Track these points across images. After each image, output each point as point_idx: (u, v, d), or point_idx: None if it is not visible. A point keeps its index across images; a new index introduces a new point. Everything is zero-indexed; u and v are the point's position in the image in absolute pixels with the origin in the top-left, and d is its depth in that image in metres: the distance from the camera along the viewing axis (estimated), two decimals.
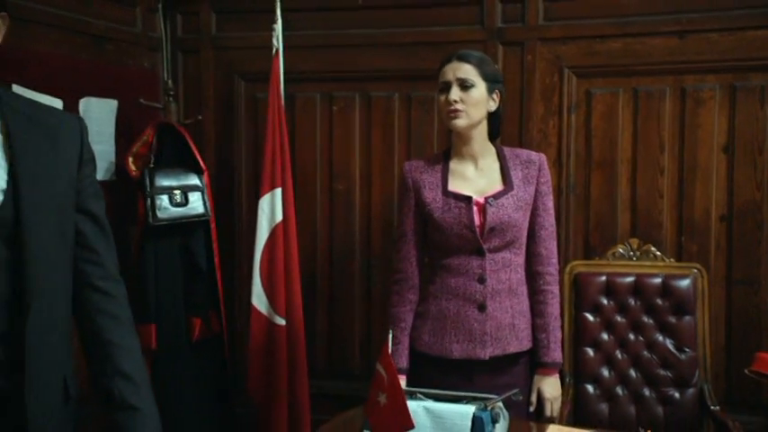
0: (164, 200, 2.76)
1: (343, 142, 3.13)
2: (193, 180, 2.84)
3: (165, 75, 3.18)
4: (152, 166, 2.81)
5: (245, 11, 3.18)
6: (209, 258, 2.88)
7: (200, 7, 3.20)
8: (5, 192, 1.39)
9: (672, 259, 2.71)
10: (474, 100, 2.09)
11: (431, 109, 3.04)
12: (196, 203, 2.83)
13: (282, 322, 2.89)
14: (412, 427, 1.68)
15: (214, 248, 2.89)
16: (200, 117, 3.12)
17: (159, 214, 2.74)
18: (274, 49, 2.91)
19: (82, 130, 1.57)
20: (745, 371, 2.13)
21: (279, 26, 2.90)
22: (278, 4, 2.88)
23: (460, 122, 2.10)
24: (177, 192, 2.79)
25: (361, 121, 3.12)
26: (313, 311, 3.14)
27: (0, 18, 1.40)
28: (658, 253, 2.69)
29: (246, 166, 3.23)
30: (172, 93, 2.96)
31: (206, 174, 2.88)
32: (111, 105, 2.84)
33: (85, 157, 1.56)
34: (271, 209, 2.89)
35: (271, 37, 2.92)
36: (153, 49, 3.15)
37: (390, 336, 1.87)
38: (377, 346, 3.13)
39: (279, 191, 2.90)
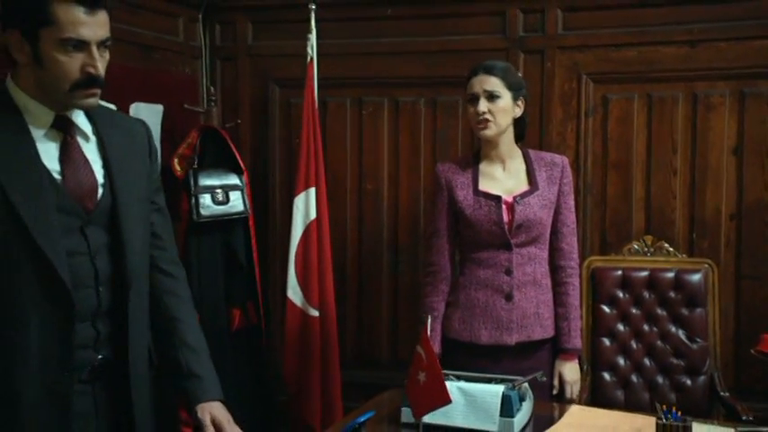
0: (207, 198, 2.96)
1: (373, 145, 3.32)
2: (234, 180, 3.03)
3: (205, 81, 3.37)
4: (196, 166, 3.00)
5: (279, 21, 3.37)
6: (248, 253, 3.07)
7: (236, 18, 3.40)
8: (104, 186, 1.59)
9: (684, 255, 2.88)
10: (501, 109, 2.27)
11: (455, 113, 3.22)
12: (236, 202, 3.02)
13: (316, 314, 3.07)
14: (449, 401, 1.86)
15: (252, 244, 3.08)
16: (239, 121, 3.31)
17: (203, 212, 2.93)
18: (309, 58, 3.10)
19: (147, 131, 1.78)
20: (751, 351, 2.29)
21: (313, 36, 3.09)
22: (312, 16, 3.07)
23: (489, 131, 2.28)
24: (219, 191, 2.98)
25: (389, 124, 3.30)
26: (343, 304, 3.32)
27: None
28: (671, 249, 2.86)
29: (280, 167, 3.42)
30: (213, 98, 3.15)
31: (245, 174, 3.07)
32: (157, 110, 3.04)
33: (153, 156, 1.77)
34: (305, 207, 3.08)
35: (303, 45, 3.11)
36: (194, 56, 3.34)
37: (429, 320, 2.05)
38: (404, 337, 3.31)
39: (313, 190, 3.08)
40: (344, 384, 3.17)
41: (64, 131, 1.57)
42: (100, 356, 1.59)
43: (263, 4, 3.36)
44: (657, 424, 1.74)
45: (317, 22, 3.09)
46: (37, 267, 1.48)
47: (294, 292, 3.09)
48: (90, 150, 1.61)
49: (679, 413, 1.75)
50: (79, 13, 1.49)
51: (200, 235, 2.99)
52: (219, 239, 3.04)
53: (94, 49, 1.52)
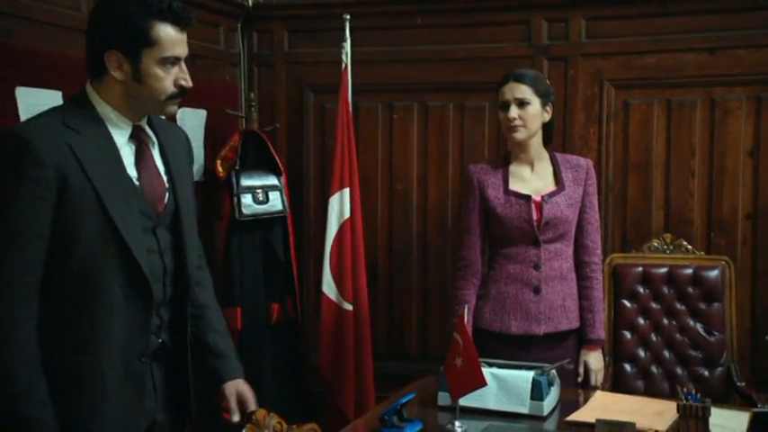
0: (248, 198, 3.13)
1: (403, 147, 3.48)
2: (273, 181, 3.21)
3: (244, 87, 3.55)
4: (237, 168, 3.18)
5: (314, 30, 3.54)
6: (286, 250, 3.25)
7: (274, 26, 3.58)
8: (169, 190, 1.77)
9: (702, 252, 3.01)
10: (530, 115, 2.43)
11: (482, 118, 3.38)
12: (276, 201, 3.20)
13: (350, 307, 3.24)
14: (485, 384, 2.02)
15: (291, 242, 3.25)
16: (277, 125, 3.49)
17: (244, 211, 3.11)
18: (343, 65, 3.27)
19: (187, 138, 1.96)
20: (766, 337, 2.43)
21: (348, 44, 3.26)
22: (347, 25, 3.24)
23: (519, 135, 2.44)
24: (260, 191, 3.16)
25: (418, 128, 3.47)
26: (375, 299, 3.48)
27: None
28: (690, 247, 3.00)
29: (314, 169, 3.59)
30: (254, 103, 3.33)
31: (284, 175, 3.24)
32: (201, 115, 3.22)
33: (191, 162, 1.96)
34: (340, 207, 3.25)
35: (336, 53, 3.27)
36: (233, 64, 3.53)
37: (466, 309, 2.21)
38: (433, 330, 3.48)
39: (347, 191, 3.25)
40: (376, 376, 3.31)
41: (139, 140, 1.74)
42: (160, 341, 1.77)
43: (298, 14, 3.53)
44: (678, 404, 1.89)
45: (350, 30, 3.26)
46: (123, 262, 1.65)
47: (329, 287, 3.25)
48: (156, 157, 1.78)
49: (698, 395, 1.89)
50: (175, 33, 1.67)
51: (241, 233, 3.17)
52: (259, 237, 3.21)
53: (183, 63, 1.70)
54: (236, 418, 1.89)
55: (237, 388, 1.91)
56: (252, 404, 1.90)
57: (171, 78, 1.68)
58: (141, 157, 1.73)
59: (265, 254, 3.22)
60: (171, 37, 1.66)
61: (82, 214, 1.62)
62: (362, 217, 3.30)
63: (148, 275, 1.67)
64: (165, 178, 1.77)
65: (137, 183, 1.71)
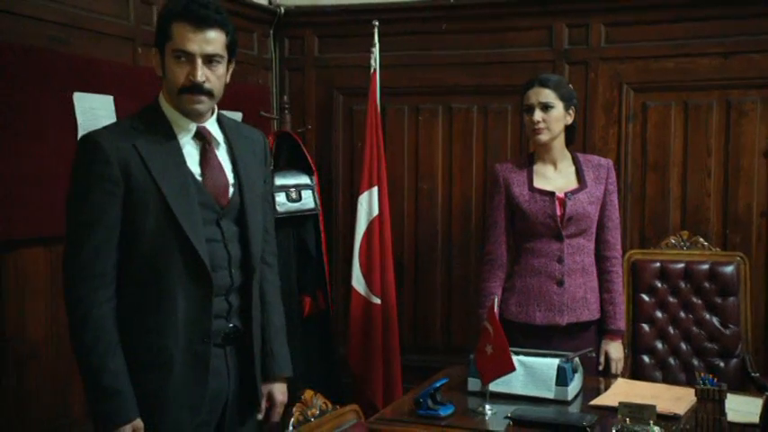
0: (282, 196, 3.29)
1: (428, 148, 3.63)
2: (305, 180, 3.36)
3: (275, 90, 3.71)
4: (272, 168, 3.33)
5: (342, 35, 3.70)
6: (318, 246, 3.40)
7: (304, 32, 3.74)
8: (234, 185, 1.92)
9: (717, 249, 3.13)
10: (554, 118, 2.56)
11: (504, 119, 3.52)
12: (308, 200, 3.35)
13: (378, 301, 3.38)
14: (514, 369, 2.16)
15: (322, 238, 3.40)
16: (309, 126, 3.65)
17: (278, 209, 3.26)
18: (372, 69, 3.42)
19: (264, 140, 2.10)
20: None
21: (376, 49, 3.40)
22: (376, 31, 3.39)
23: (543, 137, 2.57)
24: (293, 190, 3.31)
25: (443, 129, 3.61)
26: (401, 293, 3.63)
27: (231, 64, 1.92)
28: (706, 243, 3.11)
29: (343, 168, 3.74)
30: (287, 106, 3.49)
31: (315, 174, 3.40)
32: (237, 117, 3.37)
33: (267, 162, 2.09)
34: (368, 204, 3.39)
35: (364, 57, 3.42)
36: (265, 68, 3.69)
37: (496, 300, 2.35)
38: (456, 323, 3.62)
39: (375, 189, 3.40)
40: (401, 368, 3.46)
41: (203, 140, 1.90)
42: (231, 325, 1.91)
43: (328, 21, 3.69)
44: (696, 389, 2.01)
45: (378, 36, 3.40)
46: (184, 252, 1.79)
47: (358, 282, 3.40)
48: (222, 155, 1.92)
49: (715, 379, 2.02)
50: (190, 30, 1.80)
51: (275, 230, 3.30)
52: (292, 234, 3.37)
53: (199, 61, 1.81)
54: (259, 416, 2.03)
55: (271, 391, 2.05)
56: (276, 411, 2.03)
57: (184, 72, 1.80)
58: (205, 155, 1.88)
59: (298, 250, 3.37)
60: (184, 33, 1.79)
61: (146, 206, 1.77)
62: (390, 214, 3.45)
63: (207, 263, 1.81)
64: (230, 175, 1.91)
65: (199, 178, 1.86)
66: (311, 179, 3.38)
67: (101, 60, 2.64)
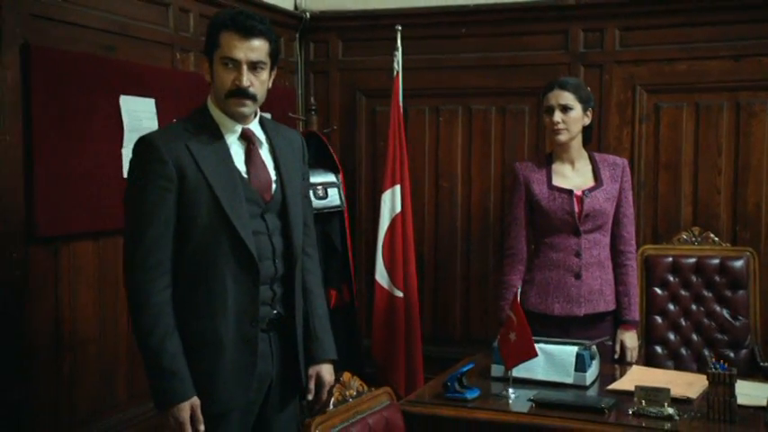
0: (309, 194, 3.43)
1: (448, 147, 3.77)
2: (331, 178, 3.51)
3: (301, 92, 3.87)
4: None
5: (364, 39, 3.85)
6: (343, 242, 3.55)
7: (329, 37, 3.89)
8: (276, 182, 2.07)
9: (728, 244, 3.26)
10: (573, 120, 2.70)
11: (521, 120, 3.66)
12: (334, 197, 3.50)
13: (401, 294, 3.53)
14: (536, 355, 2.31)
15: (347, 234, 3.55)
16: (334, 127, 3.80)
17: None
18: (395, 72, 3.56)
19: (302, 140, 2.25)
20: None
21: (399, 53, 3.55)
22: (398, 36, 3.53)
23: (562, 137, 2.71)
24: (319, 187, 3.47)
25: (463, 130, 3.75)
26: (421, 287, 3.77)
27: (273, 71, 2.07)
28: (716, 239, 3.24)
29: (366, 167, 3.89)
30: (314, 107, 3.64)
31: (341, 173, 3.55)
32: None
33: (305, 160, 2.24)
34: (392, 202, 3.54)
35: (386, 60, 3.57)
36: (291, 71, 3.84)
37: (519, 291, 2.50)
38: (475, 316, 3.76)
39: (398, 187, 3.54)
40: (423, 358, 3.61)
41: (247, 140, 2.05)
42: (275, 312, 2.06)
43: (351, 25, 3.84)
44: (708, 373, 2.15)
45: (402, 40, 3.55)
46: (233, 243, 1.95)
47: (381, 276, 3.54)
48: (265, 154, 2.08)
49: (726, 364, 2.16)
50: (236, 39, 1.95)
51: None
52: (319, 229, 3.50)
53: (244, 67, 1.96)
54: (309, 397, 2.17)
55: (319, 372, 2.18)
56: (324, 390, 2.16)
57: (231, 78, 1.96)
58: (250, 154, 2.03)
59: (324, 245, 3.52)
60: (231, 41, 1.95)
61: (198, 201, 1.93)
62: (412, 211, 3.59)
63: (255, 254, 1.97)
64: (272, 172, 2.07)
65: (245, 175, 2.01)
66: (337, 177, 3.53)
67: (143, 65, 2.80)
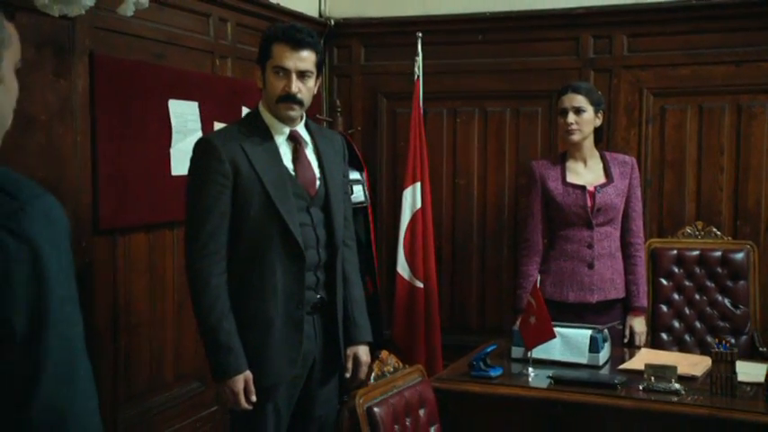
0: (348, 190, 3.65)
1: (465, 147, 3.99)
2: (356, 176, 3.72)
3: (326, 95, 4.09)
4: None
5: (386, 45, 4.06)
6: (367, 236, 3.76)
7: (352, 42, 4.10)
8: (320, 179, 2.29)
9: (729, 238, 3.46)
10: (585, 121, 2.93)
11: (535, 121, 3.87)
12: (359, 194, 3.71)
13: (421, 285, 3.74)
14: (554, 336, 2.53)
15: (371, 228, 3.77)
16: (359, 128, 4.02)
17: None
18: (416, 76, 3.77)
19: (342, 141, 2.47)
20: None
21: (420, 58, 3.76)
22: (419, 42, 3.75)
23: (575, 138, 2.94)
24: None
25: (479, 131, 3.97)
26: (440, 278, 3.98)
27: (319, 79, 2.29)
28: (718, 233, 3.44)
29: (386, 166, 4.11)
30: (339, 109, 3.87)
31: (365, 171, 3.76)
32: None
33: (345, 159, 2.46)
34: (412, 198, 3.75)
35: (406, 65, 3.77)
36: None
37: (539, 279, 2.72)
38: (490, 307, 3.98)
39: (419, 184, 3.75)
40: (441, 345, 3.82)
41: (294, 141, 2.27)
42: (318, 296, 2.28)
43: (373, 31, 4.06)
44: (711, 351, 2.38)
45: (422, 45, 3.76)
46: (282, 234, 2.17)
47: (402, 268, 3.76)
48: (309, 154, 2.30)
49: (728, 344, 2.38)
50: (287, 50, 2.18)
51: None
52: None
53: (293, 75, 2.19)
54: (347, 374, 2.39)
55: (356, 353, 2.40)
56: (362, 369, 2.36)
57: (281, 85, 2.19)
58: (297, 154, 2.26)
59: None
60: (282, 52, 2.17)
61: (251, 196, 2.15)
62: (431, 207, 3.81)
63: (301, 243, 2.19)
64: (316, 170, 2.29)
65: (292, 173, 2.23)
66: (361, 175, 3.75)
67: (188, 71, 3.02)
